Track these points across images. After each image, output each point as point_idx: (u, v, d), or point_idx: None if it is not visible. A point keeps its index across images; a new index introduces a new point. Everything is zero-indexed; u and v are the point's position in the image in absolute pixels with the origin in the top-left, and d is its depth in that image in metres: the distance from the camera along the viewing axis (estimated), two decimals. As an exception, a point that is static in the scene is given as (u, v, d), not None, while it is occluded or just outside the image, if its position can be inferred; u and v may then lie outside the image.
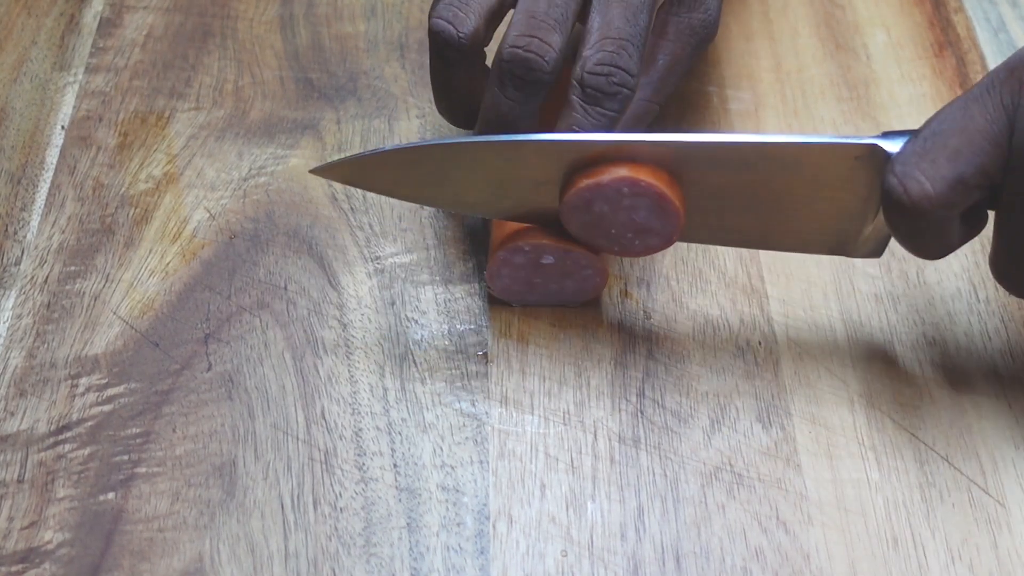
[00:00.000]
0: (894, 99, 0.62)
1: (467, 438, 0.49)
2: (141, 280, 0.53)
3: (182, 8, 0.65)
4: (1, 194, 0.56)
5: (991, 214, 0.47)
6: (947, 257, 0.48)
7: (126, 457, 0.48)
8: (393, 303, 0.53)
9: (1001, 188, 0.45)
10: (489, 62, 0.51)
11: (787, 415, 0.50)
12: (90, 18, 0.64)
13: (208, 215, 0.56)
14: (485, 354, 0.52)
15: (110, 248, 0.55)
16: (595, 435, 0.49)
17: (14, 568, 0.45)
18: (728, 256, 0.55)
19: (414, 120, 0.60)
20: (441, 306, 0.53)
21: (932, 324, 0.53)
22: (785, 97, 0.62)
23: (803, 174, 0.48)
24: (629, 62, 0.48)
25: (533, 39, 0.48)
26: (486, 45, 0.51)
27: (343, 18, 0.65)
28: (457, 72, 0.50)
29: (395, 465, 0.48)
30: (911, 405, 0.51)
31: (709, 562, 0.46)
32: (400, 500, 0.47)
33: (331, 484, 0.48)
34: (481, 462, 0.49)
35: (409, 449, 0.49)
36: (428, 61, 0.51)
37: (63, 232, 0.55)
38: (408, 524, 0.47)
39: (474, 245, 0.55)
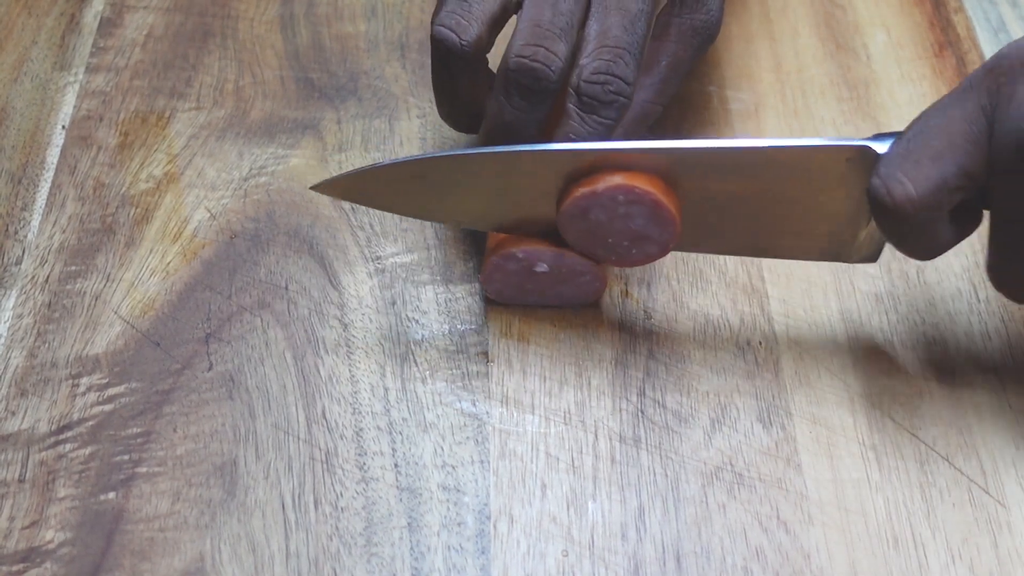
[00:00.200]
0: (894, 99, 0.62)
1: (468, 438, 0.49)
2: (142, 280, 0.53)
3: (182, 8, 0.65)
4: (2, 194, 0.56)
5: (987, 214, 0.47)
6: (947, 257, 0.48)
7: (127, 457, 0.48)
8: (394, 303, 0.53)
9: (988, 190, 0.45)
10: (490, 65, 0.51)
11: (787, 415, 0.50)
12: (90, 18, 0.64)
13: (209, 215, 0.56)
14: (486, 354, 0.52)
15: (111, 248, 0.55)
16: (596, 435, 0.49)
17: (15, 567, 0.45)
18: (728, 256, 0.55)
19: (415, 120, 0.60)
20: (442, 306, 0.53)
21: (932, 324, 0.53)
22: (785, 97, 0.62)
23: (797, 177, 0.48)
24: (626, 70, 0.48)
25: (539, 48, 0.47)
26: (488, 51, 0.51)
27: (344, 18, 0.65)
28: (460, 79, 0.50)
29: (396, 465, 0.48)
30: (911, 405, 0.51)
31: (710, 562, 0.46)
32: (401, 500, 0.47)
33: (332, 484, 0.48)
34: (482, 462, 0.49)
35: (410, 449, 0.49)
36: (429, 61, 0.51)
37: (64, 232, 0.55)
38: (409, 524, 0.47)
39: (474, 245, 0.55)
